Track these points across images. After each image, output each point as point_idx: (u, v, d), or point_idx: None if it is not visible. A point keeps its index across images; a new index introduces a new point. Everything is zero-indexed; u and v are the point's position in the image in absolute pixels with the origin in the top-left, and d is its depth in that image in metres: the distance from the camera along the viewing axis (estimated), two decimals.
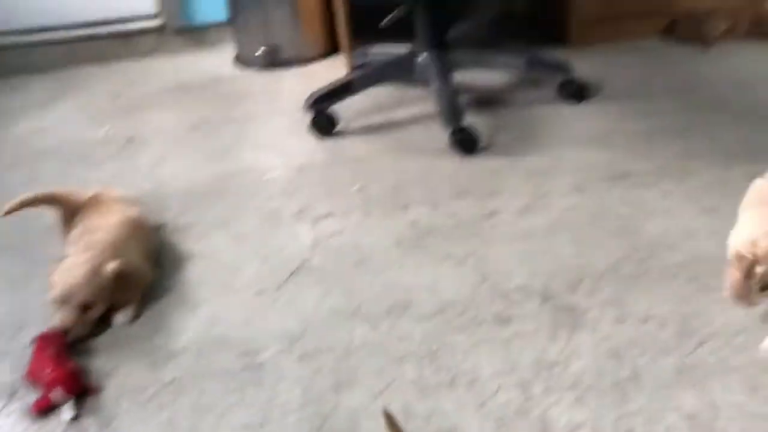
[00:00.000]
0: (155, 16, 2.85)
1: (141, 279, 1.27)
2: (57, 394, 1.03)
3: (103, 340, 1.18)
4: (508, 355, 1.07)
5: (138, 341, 1.17)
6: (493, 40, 2.34)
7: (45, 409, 1.03)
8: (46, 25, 2.79)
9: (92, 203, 1.39)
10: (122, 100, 2.36)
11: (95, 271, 1.19)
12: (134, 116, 2.20)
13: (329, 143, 1.87)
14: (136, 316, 1.22)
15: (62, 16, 2.80)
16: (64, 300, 1.16)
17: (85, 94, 2.47)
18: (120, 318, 1.21)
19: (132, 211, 1.41)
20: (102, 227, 1.31)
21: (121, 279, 1.21)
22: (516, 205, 1.48)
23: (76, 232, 1.32)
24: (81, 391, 1.05)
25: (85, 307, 1.17)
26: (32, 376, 1.08)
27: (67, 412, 1.02)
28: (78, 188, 1.45)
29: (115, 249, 1.26)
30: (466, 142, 1.71)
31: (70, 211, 1.38)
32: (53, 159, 1.93)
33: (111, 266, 1.20)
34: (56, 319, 1.15)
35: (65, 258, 1.25)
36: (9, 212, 1.35)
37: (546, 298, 1.18)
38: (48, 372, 1.06)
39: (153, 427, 1.00)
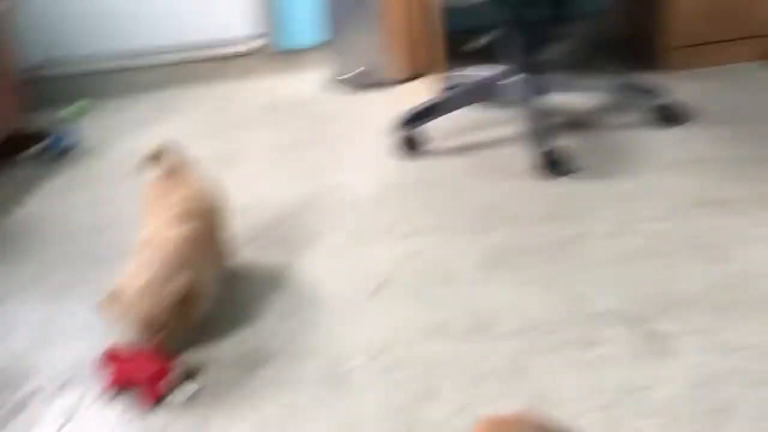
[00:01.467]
0: (253, 38, 2.99)
1: (205, 295, 1.28)
2: (163, 385, 1.11)
3: (198, 340, 1.25)
4: (593, 378, 1.06)
5: (232, 344, 1.24)
6: (585, 63, 2.32)
7: (152, 403, 1.11)
8: (148, 49, 2.98)
9: (174, 175, 1.40)
10: (221, 119, 2.49)
11: (166, 292, 1.18)
12: (232, 135, 2.32)
13: (417, 163, 1.91)
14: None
15: (163, 39, 2.98)
16: (143, 327, 1.17)
17: (187, 113, 2.61)
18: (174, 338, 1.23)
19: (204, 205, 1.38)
20: (170, 233, 1.27)
21: (188, 297, 1.20)
22: (604, 229, 1.47)
23: (156, 206, 1.35)
24: (181, 383, 1.14)
25: (160, 326, 1.18)
26: (125, 381, 1.15)
27: (187, 390, 1.12)
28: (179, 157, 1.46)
29: (184, 263, 1.23)
30: (554, 165, 1.71)
31: (167, 171, 1.40)
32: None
33: (179, 286, 1.18)
34: (138, 341, 1.17)
35: (137, 255, 1.25)
36: (140, 170, 1.40)
37: (633, 323, 1.17)
38: (147, 370, 1.13)
39: (245, 426, 1.05)
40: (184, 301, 1.19)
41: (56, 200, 1.97)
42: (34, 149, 2.35)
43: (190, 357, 1.22)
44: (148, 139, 2.35)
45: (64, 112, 2.70)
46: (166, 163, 1.39)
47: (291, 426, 1.04)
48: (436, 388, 1.07)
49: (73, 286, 1.50)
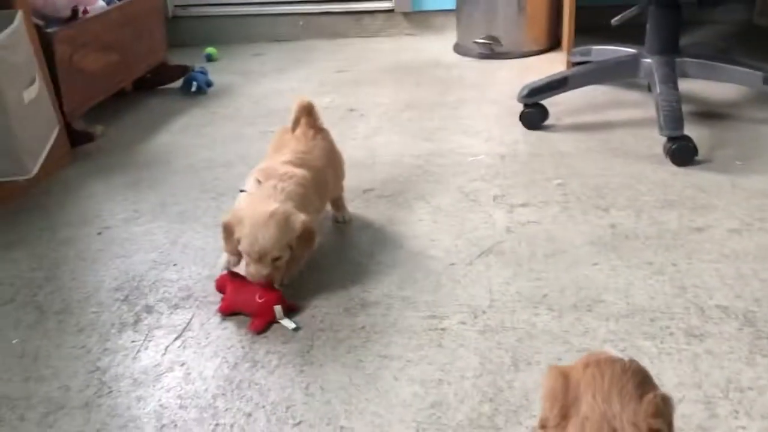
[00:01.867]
0: None
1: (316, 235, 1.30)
2: (278, 310, 1.18)
3: (306, 281, 1.31)
4: (697, 370, 1.03)
5: (337, 289, 1.28)
6: (727, 51, 2.19)
7: (264, 326, 1.19)
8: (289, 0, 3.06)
9: (312, 134, 1.42)
10: (348, 74, 2.54)
11: (286, 226, 1.19)
12: (356, 90, 2.36)
13: (536, 135, 1.88)
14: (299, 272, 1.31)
15: None
16: (258, 257, 1.19)
17: (316, 65, 2.69)
18: (285, 279, 1.27)
19: (328, 161, 1.42)
20: (296, 173, 1.30)
21: (304, 234, 1.22)
22: (728, 224, 1.40)
23: (286, 150, 1.38)
24: (295, 309, 1.22)
25: (275, 259, 1.20)
26: (236, 305, 1.23)
27: (289, 323, 1.18)
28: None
29: (301, 202, 1.26)
30: (682, 152, 1.64)
31: (309, 125, 1.43)
32: (283, 118, 2.13)
33: (299, 224, 1.21)
34: (251, 272, 1.20)
35: (255, 184, 1.27)
36: (294, 127, 1.42)
37: (747, 322, 1.12)
38: (259, 296, 1.20)
39: (342, 363, 1.09)
40: (300, 239, 1.22)
41: (187, 134, 2.09)
42: (175, 83, 2.50)
43: (296, 295, 1.28)
44: (277, 87, 2.45)
45: (206, 52, 2.84)
46: (308, 118, 1.43)
47: (384, 371, 1.07)
48: (530, 358, 1.07)
49: (192, 216, 1.59)
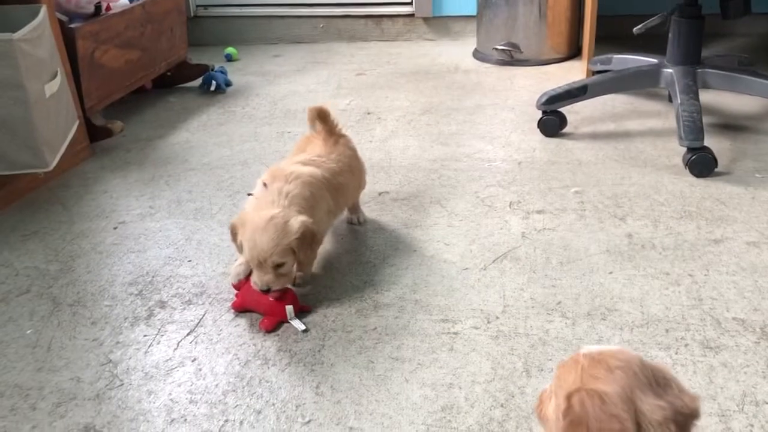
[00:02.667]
0: (407, 3, 3.01)
1: (322, 236, 1.30)
2: (290, 310, 1.18)
3: (319, 281, 1.31)
4: (712, 382, 1.01)
5: (350, 290, 1.28)
6: (751, 63, 2.17)
7: (275, 325, 1.19)
8: (308, 1, 3.07)
9: (323, 135, 1.42)
10: (366, 77, 2.54)
11: (284, 229, 1.17)
12: (375, 93, 2.36)
13: (554, 142, 1.87)
14: (311, 275, 1.32)
15: None
16: (258, 262, 1.17)
17: (335, 67, 2.69)
18: (299, 279, 1.28)
19: (344, 166, 1.39)
20: (303, 173, 1.28)
21: (305, 236, 1.20)
22: (747, 236, 1.38)
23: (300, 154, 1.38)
24: (307, 311, 1.22)
25: (278, 266, 1.18)
26: (248, 303, 1.23)
27: (300, 324, 1.18)
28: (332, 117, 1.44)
29: (305, 204, 1.24)
30: (701, 163, 1.62)
31: (327, 131, 1.42)
32: (300, 119, 2.14)
33: (297, 225, 1.18)
34: (254, 279, 1.19)
35: (259, 194, 1.26)
36: (312, 122, 1.42)
37: (765, 335, 1.10)
38: (266, 299, 1.20)
39: (353, 364, 1.09)
40: (300, 241, 1.19)
41: (205, 132, 2.10)
42: (194, 82, 2.52)
43: (309, 295, 1.28)
44: (295, 88, 2.46)
45: (226, 51, 2.86)
46: (324, 125, 1.42)
47: (394, 373, 1.07)
48: (542, 365, 1.07)
49: (208, 213, 1.60)
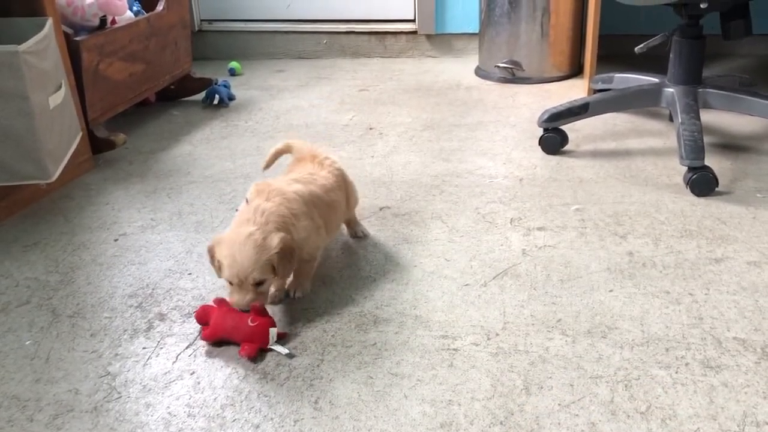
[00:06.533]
0: (410, 21, 3.03)
1: (313, 252, 1.29)
2: (273, 333, 1.15)
3: (318, 295, 1.31)
4: (712, 402, 1.01)
5: (349, 304, 1.28)
6: (752, 84, 2.18)
7: (257, 351, 1.14)
8: (312, 18, 3.10)
9: (308, 159, 1.43)
10: (369, 93, 2.55)
11: (263, 245, 1.16)
12: (377, 108, 2.38)
13: (555, 160, 1.88)
14: (310, 290, 1.31)
15: (327, 11, 3.09)
16: (238, 280, 1.16)
17: (338, 83, 2.71)
18: (297, 293, 1.29)
19: (327, 181, 1.38)
20: (283, 191, 1.27)
21: (284, 251, 1.18)
22: (748, 256, 1.38)
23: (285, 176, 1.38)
24: (284, 337, 1.19)
25: (258, 283, 1.17)
26: (223, 332, 1.17)
27: (282, 349, 1.15)
28: (308, 145, 1.48)
29: (281, 221, 1.21)
30: (702, 183, 1.63)
31: (297, 158, 1.45)
32: (303, 134, 2.15)
33: (276, 240, 1.17)
34: (234, 299, 1.17)
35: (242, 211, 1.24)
36: (267, 166, 1.50)
37: (766, 355, 1.10)
38: (252, 320, 1.15)
39: (352, 379, 1.09)
40: (280, 257, 1.17)
41: (208, 146, 2.10)
42: (198, 96, 2.53)
43: (308, 310, 1.27)
44: (298, 103, 2.47)
45: (230, 66, 2.88)
46: (299, 152, 1.46)
47: (393, 389, 1.06)
48: (542, 382, 1.06)
49: (209, 226, 1.60)
